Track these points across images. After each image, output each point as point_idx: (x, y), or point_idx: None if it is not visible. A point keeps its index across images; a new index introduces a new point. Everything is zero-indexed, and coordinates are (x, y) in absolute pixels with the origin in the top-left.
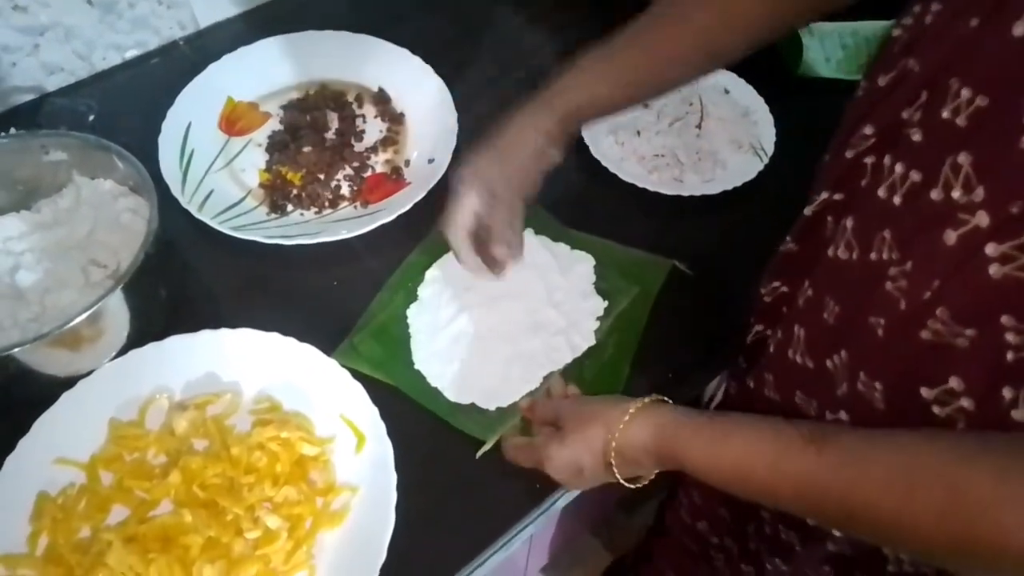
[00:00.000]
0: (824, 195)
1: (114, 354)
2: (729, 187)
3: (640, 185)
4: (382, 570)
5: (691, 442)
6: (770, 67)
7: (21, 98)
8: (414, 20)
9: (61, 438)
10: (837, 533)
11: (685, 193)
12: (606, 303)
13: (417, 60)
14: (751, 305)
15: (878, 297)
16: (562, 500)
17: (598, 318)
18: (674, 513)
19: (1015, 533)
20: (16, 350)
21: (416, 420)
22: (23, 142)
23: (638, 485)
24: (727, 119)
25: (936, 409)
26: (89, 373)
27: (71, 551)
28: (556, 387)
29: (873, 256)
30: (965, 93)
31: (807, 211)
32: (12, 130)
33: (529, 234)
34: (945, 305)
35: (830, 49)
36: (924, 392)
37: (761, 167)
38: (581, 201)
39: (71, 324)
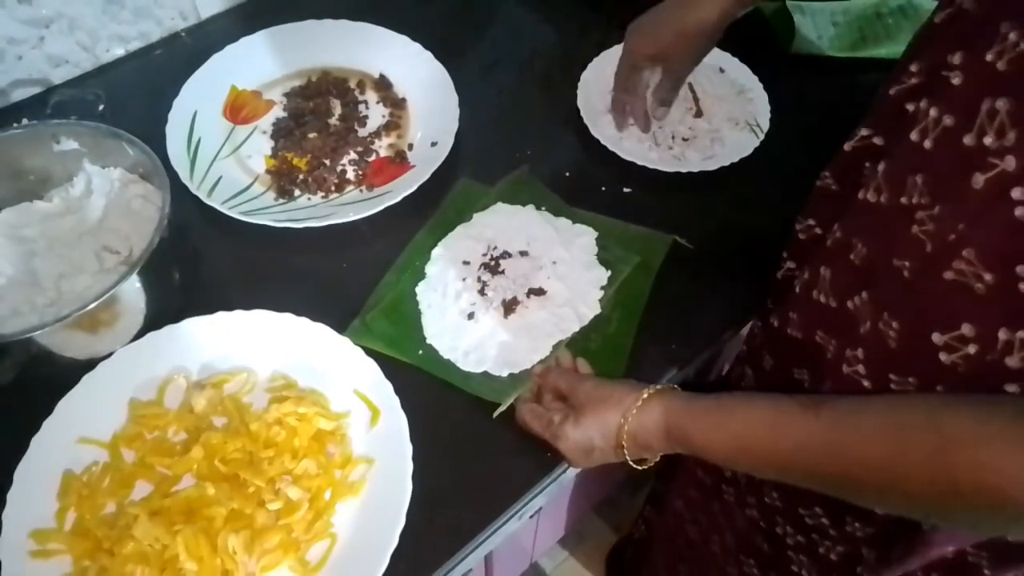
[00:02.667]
0: (864, 132)
1: (131, 337)
2: (727, 163)
3: (639, 163)
4: (400, 537)
5: (698, 420)
6: (763, 45)
7: (27, 91)
8: (409, 6)
9: (83, 418)
10: None
11: (684, 170)
12: (609, 272)
13: (417, 46)
14: (785, 242)
15: (904, 240)
16: (573, 469)
17: (602, 287)
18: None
19: (992, 470)
20: (37, 333)
21: (428, 393)
22: (34, 132)
23: (643, 467)
24: (723, 97)
25: (943, 356)
26: (108, 355)
27: (98, 525)
28: (564, 358)
29: (903, 200)
30: (1013, 37)
31: (847, 146)
32: (24, 121)
33: (530, 209)
34: (971, 246)
35: (822, 27)
36: (935, 337)
37: (757, 143)
38: (582, 180)
39: (90, 307)
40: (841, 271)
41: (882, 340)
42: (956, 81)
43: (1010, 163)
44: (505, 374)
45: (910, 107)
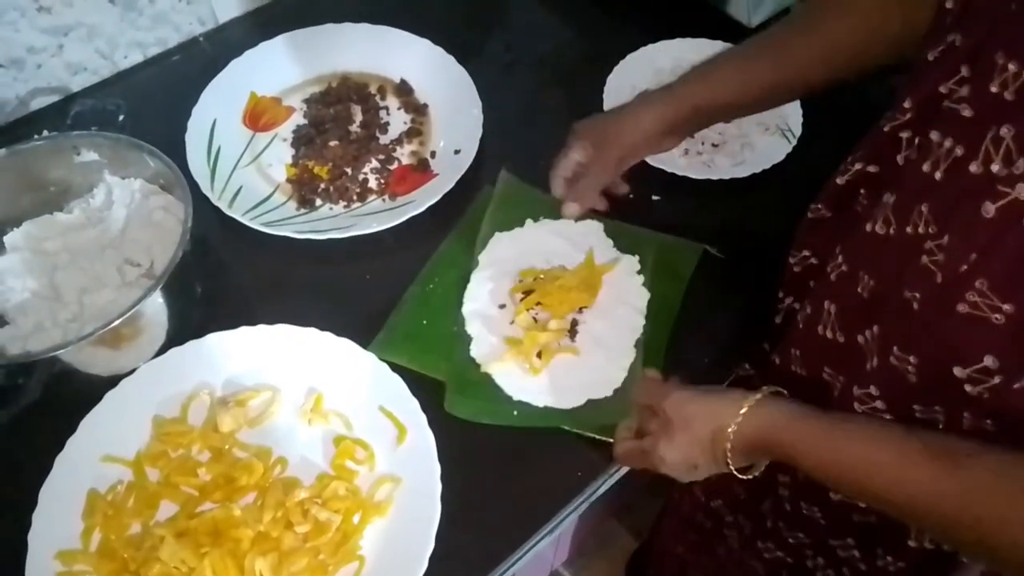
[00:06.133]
0: (858, 166)
1: (154, 352)
2: (758, 170)
3: (669, 170)
4: (429, 559)
5: (807, 442)
6: None
7: (46, 100)
8: (427, 9)
9: (107, 436)
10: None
11: (715, 177)
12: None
13: (439, 50)
14: (781, 279)
15: (913, 270)
16: (603, 487)
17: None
18: (685, 492)
19: None
20: (61, 351)
21: None
22: (55, 144)
23: (750, 476)
24: None
25: (968, 388)
26: (131, 372)
27: (124, 546)
28: (649, 371)
29: (909, 230)
30: (1012, 67)
31: (840, 180)
32: (45, 132)
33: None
34: (984, 276)
35: None
36: (958, 371)
37: (789, 149)
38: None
39: (114, 323)
40: (849, 305)
41: (898, 375)
42: (967, 113)
43: (1022, 191)
44: (541, 404)
45: (904, 135)
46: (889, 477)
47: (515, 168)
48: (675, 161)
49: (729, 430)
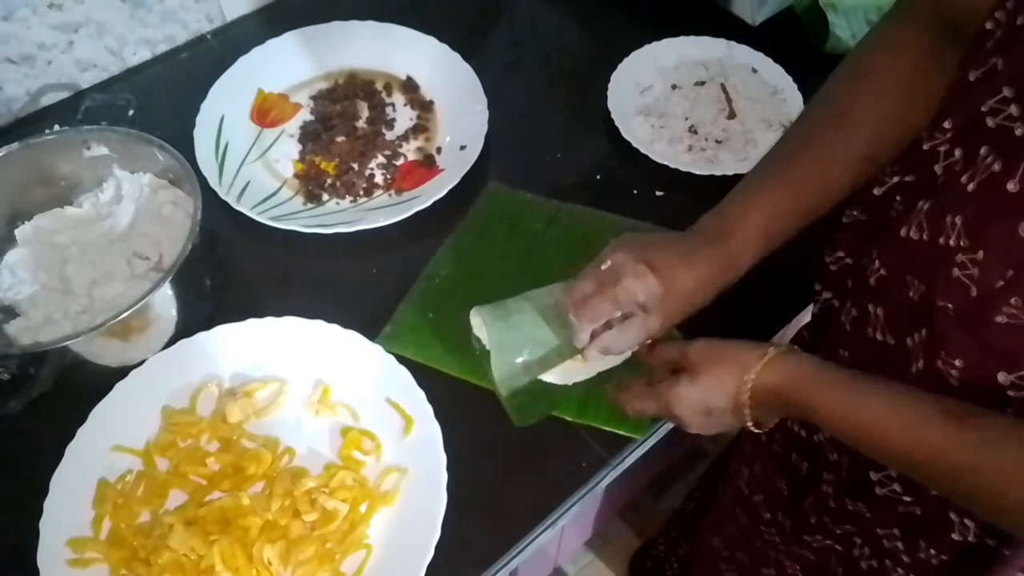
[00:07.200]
0: (895, 178)
1: (163, 344)
2: None
3: (672, 166)
4: (435, 548)
5: (828, 396)
6: (796, 45)
7: (56, 96)
8: (433, 6)
9: (117, 426)
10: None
11: (718, 173)
12: None
13: (444, 47)
14: (815, 272)
15: (945, 282)
16: (608, 478)
17: None
18: (730, 484)
19: None
20: (72, 341)
21: (461, 401)
22: (65, 138)
23: (762, 429)
24: (757, 98)
25: (1011, 393)
26: (140, 363)
27: (133, 534)
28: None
29: (941, 241)
30: None
31: (876, 191)
32: (56, 127)
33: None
34: (1019, 294)
35: (856, 26)
36: (1001, 377)
37: None
38: (613, 183)
39: (124, 314)
40: (897, 308)
41: (941, 378)
42: (1019, 132)
43: None
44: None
45: (942, 148)
46: (903, 438)
47: (519, 164)
48: (679, 157)
49: (752, 373)
